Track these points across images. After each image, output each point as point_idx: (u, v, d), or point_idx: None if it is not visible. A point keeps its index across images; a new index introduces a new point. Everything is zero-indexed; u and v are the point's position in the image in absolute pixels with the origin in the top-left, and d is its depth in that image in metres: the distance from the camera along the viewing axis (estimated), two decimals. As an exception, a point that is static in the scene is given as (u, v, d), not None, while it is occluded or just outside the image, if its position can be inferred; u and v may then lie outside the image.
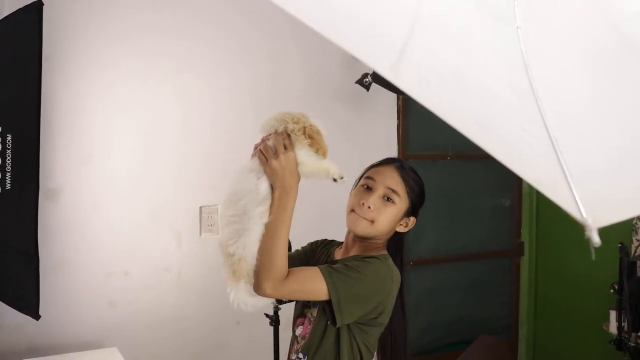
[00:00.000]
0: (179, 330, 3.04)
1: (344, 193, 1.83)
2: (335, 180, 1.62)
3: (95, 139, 2.86)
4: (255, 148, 1.66)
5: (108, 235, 2.89)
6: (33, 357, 2.68)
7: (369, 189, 1.74)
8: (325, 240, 1.97)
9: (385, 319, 1.71)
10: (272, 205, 1.60)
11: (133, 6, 2.92)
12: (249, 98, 3.19)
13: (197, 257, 3.06)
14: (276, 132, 1.63)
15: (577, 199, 0.81)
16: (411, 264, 3.77)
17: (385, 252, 1.77)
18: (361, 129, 3.50)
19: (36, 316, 2.52)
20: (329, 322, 1.66)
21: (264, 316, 2.59)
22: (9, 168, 2.42)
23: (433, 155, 3.86)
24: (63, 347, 2.78)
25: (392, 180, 1.74)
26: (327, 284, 1.59)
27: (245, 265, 1.58)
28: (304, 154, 1.61)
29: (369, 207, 1.70)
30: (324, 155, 1.63)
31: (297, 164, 1.61)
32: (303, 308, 1.81)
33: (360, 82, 3.27)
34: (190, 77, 3.06)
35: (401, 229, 1.77)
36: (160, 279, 3.01)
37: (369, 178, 1.76)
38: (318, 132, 1.63)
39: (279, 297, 1.64)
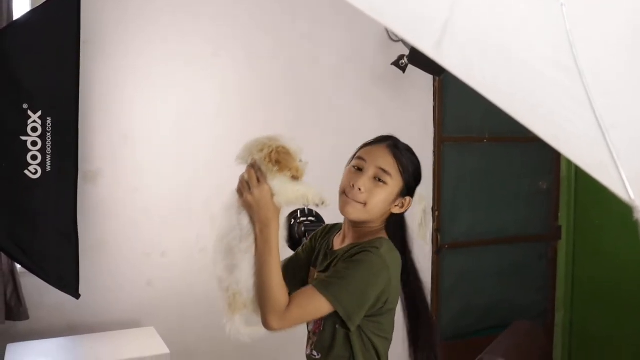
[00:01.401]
0: (214, 310, 3.05)
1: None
2: (317, 205, 1.57)
3: (132, 121, 2.90)
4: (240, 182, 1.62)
5: (145, 217, 2.93)
6: (72, 334, 2.74)
7: (360, 170, 1.66)
8: (326, 226, 1.91)
9: (393, 304, 1.67)
10: (255, 240, 1.57)
11: (168, -11, 2.93)
12: (284, 79, 3.19)
13: (232, 239, 3.08)
14: (249, 166, 1.57)
15: (624, 179, 0.79)
16: (446, 246, 3.75)
17: (381, 236, 1.70)
18: (397, 111, 3.48)
19: (76, 295, 2.58)
20: (337, 326, 1.63)
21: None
22: (48, 150, 2.46)
23: (469, 138, 3.81)
24: (101, 325, 2.83)
25: (383, 159, 1.65)
26: (327, 298, 1.55)
27: (240, 299, 1.58)
28: (277, 183, 1.54)
29: (360, 189, 1.63)
30: (297, 174, 1.55)
31: (271, 195, 1.54)
32: None
33: (396, 63, 3.24)
34: (226, 59, 3.06)
35: (396, 210, 1.69)
36: (196, 259, 3.04)
37: (359, 158, 1.68)
38: (286, 153, 1.54)
39: (288, 328, 1.57)
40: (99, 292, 2.84)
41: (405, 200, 1.69)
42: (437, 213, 3.68)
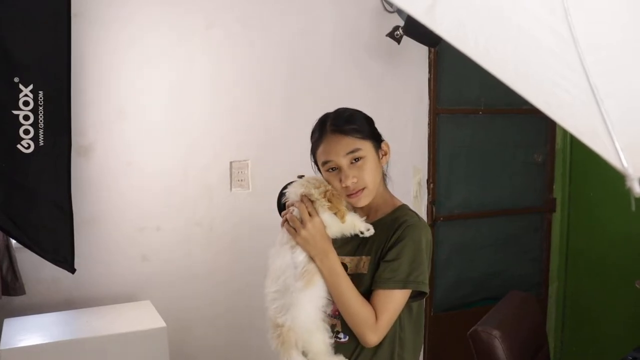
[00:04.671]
0: (210, 283, 3.09)
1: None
2: (362, 233, 1.70)
3: (125, 94, 2.87)
4: (283, 217, 1.74)
5: (139, 191, 2.93)
6: (69, 309, 2.75)
7: (337, 169, 1.73)
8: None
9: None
10: (320, 272, 1.66)
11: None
12: (278, 52, 3.16)
13: (228, 212, 3.09)
14: (298, 201, 1.70)
15: (618, 147, 0.79)
16: (441, 219, 3.76)
17: (399, 204, 1.82)
18: (392, 83, 3.45)
19: (71, 270, 2.58)
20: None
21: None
22: (41, 124, 2.44)
23: (464, 110, 3.79)
24: (98, 299, 2.84)
25: (343, 144, 1.72)
26: (407, 288, 1.67)
27: (293, 334, 1.64)
28: (327, 216, 1.69)
29: (354, 181, 1.71)
30: (342, 218, 1.68)
31: (324, 227, 1.68)
32: None
33: (391, 34, 3.21)
34: (219, 31, 3.02)
35: (385, 162, 1.81)
36: (192, 233, 3.04)
37: (325, 162, 1.74)
38: (338, 196, 1.70)
39: (383, 335, 1.68)
40: (95, 266, 2.84)
41: (382, 149, 1.79)
42: (432, 185, 3.68)
